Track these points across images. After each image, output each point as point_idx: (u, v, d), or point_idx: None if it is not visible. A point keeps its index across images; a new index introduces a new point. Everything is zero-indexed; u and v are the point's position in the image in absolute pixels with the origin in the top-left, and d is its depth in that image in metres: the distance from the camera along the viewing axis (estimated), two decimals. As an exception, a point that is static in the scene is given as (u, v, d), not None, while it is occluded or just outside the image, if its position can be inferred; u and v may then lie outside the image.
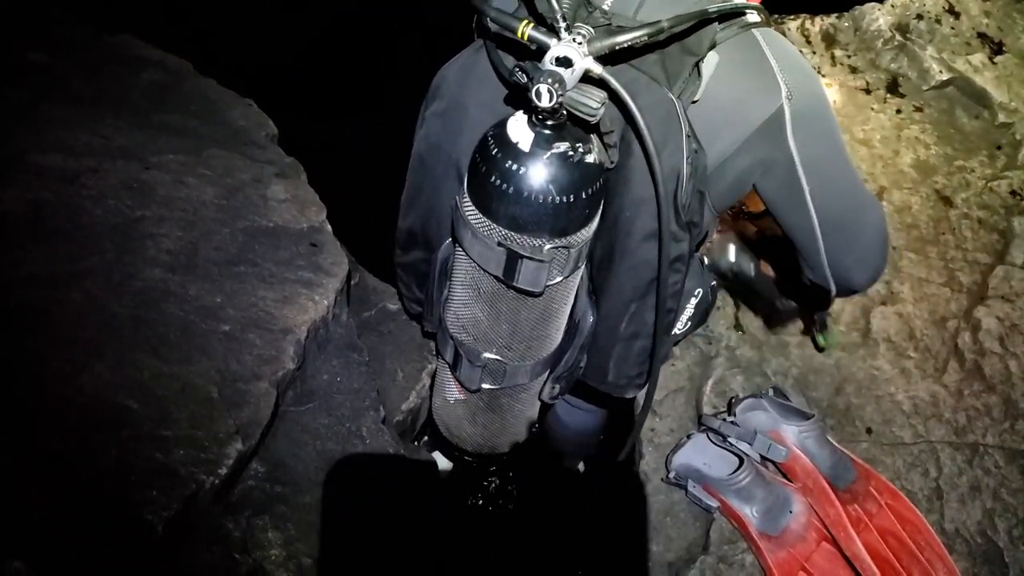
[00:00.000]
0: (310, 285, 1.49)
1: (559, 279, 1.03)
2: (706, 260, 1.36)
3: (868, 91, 2.28)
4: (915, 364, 1.68)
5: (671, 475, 1.46)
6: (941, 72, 2.28)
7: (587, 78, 0.85)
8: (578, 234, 0.97)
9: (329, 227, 1.65)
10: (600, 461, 1.91)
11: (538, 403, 1.38)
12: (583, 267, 1.08)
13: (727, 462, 1.43)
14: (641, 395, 1.25)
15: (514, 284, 1.00)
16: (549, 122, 0.89)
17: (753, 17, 0.96)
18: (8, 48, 1.87)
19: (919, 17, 2.37)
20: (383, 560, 1.32)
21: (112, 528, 1.10)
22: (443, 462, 1.76)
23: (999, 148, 2.17)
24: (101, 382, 1.23)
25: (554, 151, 0.90)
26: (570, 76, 0.83)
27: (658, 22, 0.84)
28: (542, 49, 0.84)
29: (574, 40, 0.83)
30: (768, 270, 1.39)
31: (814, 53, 2.35)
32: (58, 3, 2.07)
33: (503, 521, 1.94)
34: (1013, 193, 2.04)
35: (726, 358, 1.66)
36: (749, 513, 1.38)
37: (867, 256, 1.10)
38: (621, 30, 0.86)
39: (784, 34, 2.38)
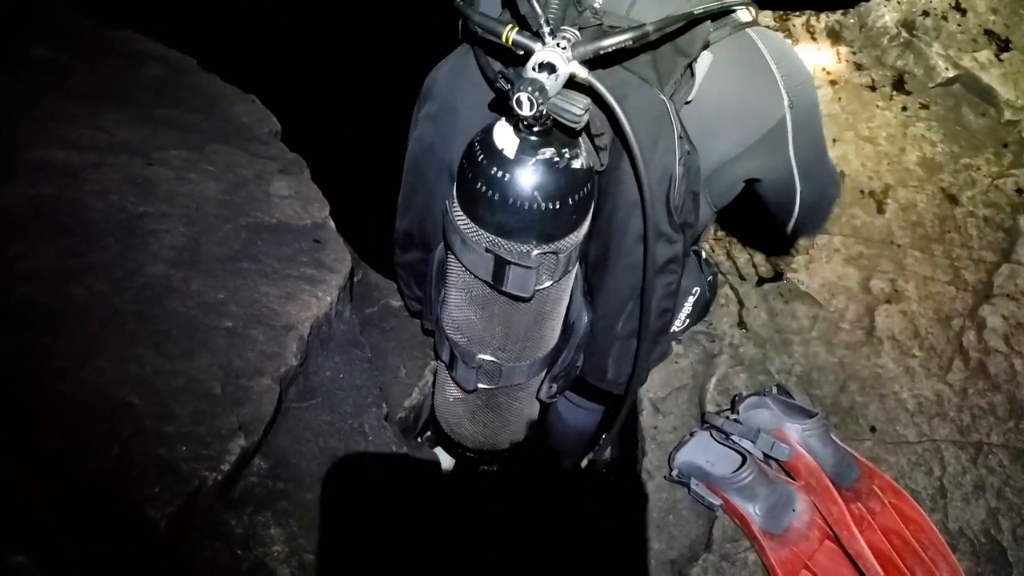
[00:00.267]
0: (313, 281, 1.49)
1: (549, 283, 1.02)
2: (703, 255, 1.36)
3: (874, 88, 2.26)
4: (919, 362, 1.67)
5: (674, 473, 1.46)
6: (947, 69, 2.26)
7: (573, 82, 0.84)
8: (566, 239, 0.97)
9: (332, 223, 1.65)
10: (601, 459, 1.90)
11: (537, 402, 1.38)
12: (575, 269, 1.08)
13: (730, 460, 1.43)
14: (643, 393, 1.25)
15: (503, 289, 0.99)
16: (534, 128, 0.87)
17: (745, 16, 0.95)
18: (10, 43, 1.87)
19: (925, 14, 2.36)
20: (385, 556, 1.32)
21: (114, 524, 1.10)
22: (445, 459, 1.75)
23: (1005, 146, 2.16)
24: (103, 378, 1.23)
25: (539, 157, 0.89)
26: (553, 82, 0.81)
27: (643, 25, 0.82)
28: (528, 53, 0.83)
29: (558, 45, 0.82)
30: None
31: (819, 50, 2.34)
32: (60, -2, 2.07)
33: (505, 518, 1.94)
34: (1019, 191, 2.03)
35: (729, 356, 1.65)
36: (752, 511, 1.37)
37: (823, 219, 1.28)
38: (608, 32, 0.84)
39: (789, 31, 2.37)
